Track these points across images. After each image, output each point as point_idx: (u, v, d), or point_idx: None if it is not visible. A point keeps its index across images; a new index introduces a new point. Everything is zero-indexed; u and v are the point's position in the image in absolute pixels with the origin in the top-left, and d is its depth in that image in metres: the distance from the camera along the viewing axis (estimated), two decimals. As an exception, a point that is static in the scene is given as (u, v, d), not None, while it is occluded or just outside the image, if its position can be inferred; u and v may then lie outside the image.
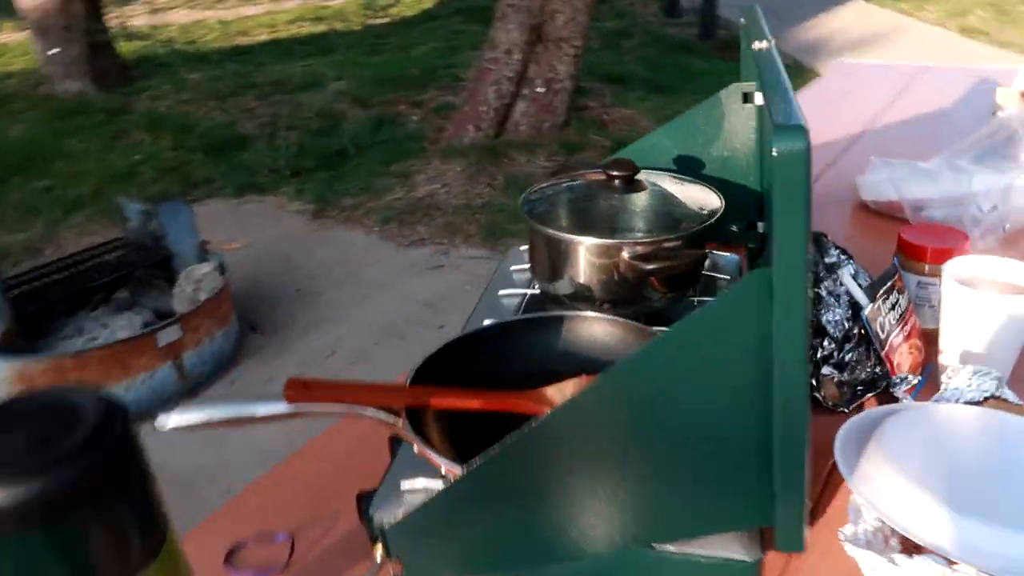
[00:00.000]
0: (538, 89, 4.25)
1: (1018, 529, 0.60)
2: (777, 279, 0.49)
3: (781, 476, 0.56)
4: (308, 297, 3.03)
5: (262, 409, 0.68)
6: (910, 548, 0.64)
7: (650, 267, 0.82)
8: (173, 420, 0.67)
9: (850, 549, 0.63)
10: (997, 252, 1.12)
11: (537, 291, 0.98)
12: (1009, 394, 0.78)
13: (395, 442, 0.77)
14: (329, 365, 2.60)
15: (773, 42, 0.71)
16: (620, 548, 0.60)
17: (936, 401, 0.78)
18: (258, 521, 0.78)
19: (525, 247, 1.12)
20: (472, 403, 0.70)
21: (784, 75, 0.61)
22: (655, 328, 0.82)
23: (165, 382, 2.44)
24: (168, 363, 2.44)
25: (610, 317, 0.83)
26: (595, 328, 0.82)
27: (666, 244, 0.84)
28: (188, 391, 2.50)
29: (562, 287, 0.91)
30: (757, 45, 0.72)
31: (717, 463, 0.58)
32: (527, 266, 1.05)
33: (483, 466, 0.57)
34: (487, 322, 0.92)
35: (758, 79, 0.75)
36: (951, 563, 0.59)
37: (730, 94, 0.98)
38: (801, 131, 0.46)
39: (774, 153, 0.46)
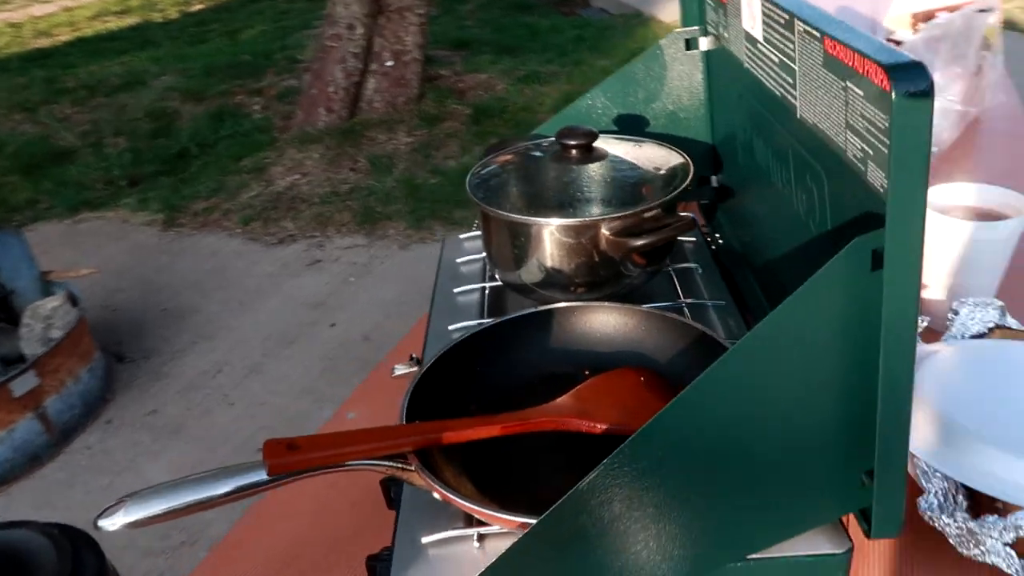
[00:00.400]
0: (387, 63, 4.07)
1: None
2: (891, 242, 0.42)
3: (883, 458, 0.50)
4: (178, 315, 2.76)
5: (239, 483, 0.55)
6: (977, 501, 0.60)
7: (639, 242, 0.74)
8: (120, 519, 0.53)
9: (933, 520, 0.58)
10: (934, 178, 1.12)
11: (498, 283, 0.88)
12: (1012, 321, 0.76)
13: (390, 485, 0.65)
14: (217, 385, 2.38)
15: (763, -26, 0.64)
16: (716, 567, 0.53)
17: (946, 340, 0.76)
18: (235, 611, 0.65)
19: (465, 235, 1.01)
20: (490, 431, 0.59)
21: (816, 5, 0.53)
22: (648, 307, 0.74)
23: (28, 436, 2.14)
24: (29, 414, 2.14)
25: (603, 304, 0.74)
26: (588, 318, 0.74)
27: (646, 214, 0.76)
28: (57, 442, 2.21)
29: (530, 275, 0.81)
30: (748, -21, 0.64)
31: (811, 456, 0.51)
32: (477, 256, 0.95)
33: (558, 511, 0.47)
34: (453, 327, 0.82)
35: (747, 12, 0.68)
36: (1042, 516, 0.55)
37: (671, 43, 0.91)
38: (923, 70, 0.38)
39: (895, 98, 0.38)
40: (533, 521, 0.48)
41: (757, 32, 0.67)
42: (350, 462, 0.56)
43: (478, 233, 0.99)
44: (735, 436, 0.48)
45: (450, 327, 0.82)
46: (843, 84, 0.49)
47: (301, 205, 3.47)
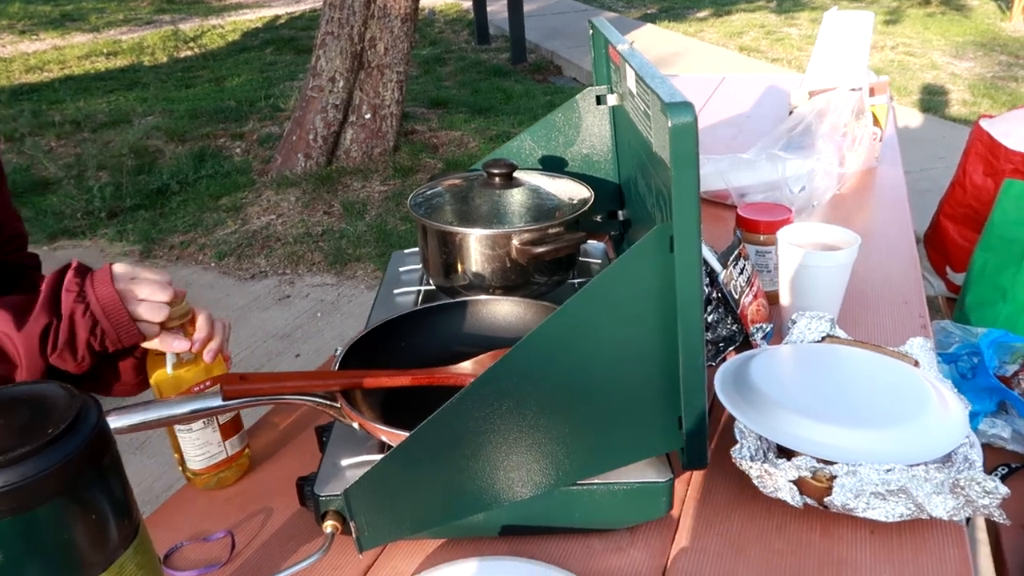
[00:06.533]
0: (365, 116, 4.29)
1: (846, 425, 0.74)
2: (677, 230, 0.59)
3: (686, 403, 0.66)
4: (147, 339, 2.87)
5: (198, 405, 0.70)
6: (784, 454, 0.77)
7: (539, 250, 0.91)
8: (111, 423, 0.67)
9: (740, 464, 0.74)
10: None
11: (431, 286, 1.05)
12: (840, 332, 0.94)
13: (322, 432, 0.81)
14: (180, 406, 2.49)
15: (632, 43, 0.83)
16: (552, 488, 0.68)
17: (786, 343, 0.93)
18: (188, 527, 0.79)
19: (408, 251, 1.18)
20: (402, 380, 0.75)
21: (653, 66, 0.72)
22: (549, 304, 0.91)
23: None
24: None
25: (505, 297, 0.91)
26: (496, 309, 0.90)
27: (550, 230, 0.94)
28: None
29: (456, 278, 0.98)
30: (622, 47, 0.83)
31: (632, 401, 0.67)
32: (416, 267, 1.12)
33: (427, 426, 0.63)
34: (389, 318, 0.98)
35: (627, 74, 0.87)
36: (820, 460, 0.72)
37: (584, 97, 1.10)
38: (689, 106, 0.56)
39: (670, 125, 0.56)
40: (425, 436, 0.64)
41: (633, 88, 0.85)
42: (288, 395, 0.71)
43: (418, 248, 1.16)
44: (570, 377, 0.64)
45: (386, 318, 0.98)
46: (668, 123, 0.67)
47: (275, 244, 3.62)
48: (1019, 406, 1.30)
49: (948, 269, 1.95)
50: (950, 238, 1.92)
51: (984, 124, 1.82)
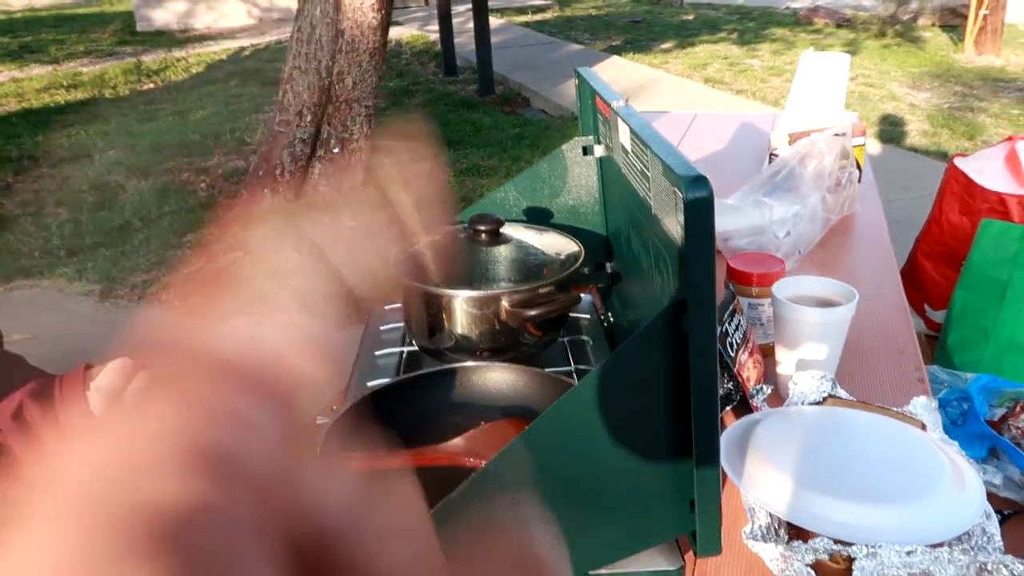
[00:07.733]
0: (334, 150, 4.24)
1: (858, 501, 0.71)
2: (691, 307, 0.55)
3: (700, 487, 0.62)
4: (108, 385, 2.76)
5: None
6: (795, 533, 0.73)
7: (531, 313, 0.87)
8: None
9: (752, 545, 0.70)
10: (801, 271, 1.30)
11: (414, 347, 1.00)
12: (842, 392, 0.91)
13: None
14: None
15: (627, 99, 0.80)
16: (561, 580, 0.63)
17: (788, 405, 0.90)
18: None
19: (389, 307, 1.13)
20: (389, 464, 0.70)
21: (656, 130, 0.69)
22: (546, 370, 0.87)
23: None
24: (-54, 480, 2.11)
25: (498, 364, 0.86)
26: (487, 376, 0.86)
27: (541, 290, 0.90)
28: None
29: (442, 341, 0.93)
30: (616, 104, 0.80)
31: (641, 486, 0.63)
32: (397, 324, 1.07)
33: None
34: (372, 384, 0.92)
35: (620, 129, 0.83)
36: (837, 541, 0.68)
37: (572, 148, 1.07)
38: (705, 181, 0.53)
39: (686, 200, 0.53)
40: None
41: (628, 145, 0.82)
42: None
43: (399, 304, 1.11)
44: (579, 462, 0.60)
45: (369, 384, 0.92)
46: (673, 189, 0.64)
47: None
48: (1010, 452, 1.28)
49: (927, 307, 1.95)
50: (928, 275, 1.93)
51: (959, 163, 1.83)
